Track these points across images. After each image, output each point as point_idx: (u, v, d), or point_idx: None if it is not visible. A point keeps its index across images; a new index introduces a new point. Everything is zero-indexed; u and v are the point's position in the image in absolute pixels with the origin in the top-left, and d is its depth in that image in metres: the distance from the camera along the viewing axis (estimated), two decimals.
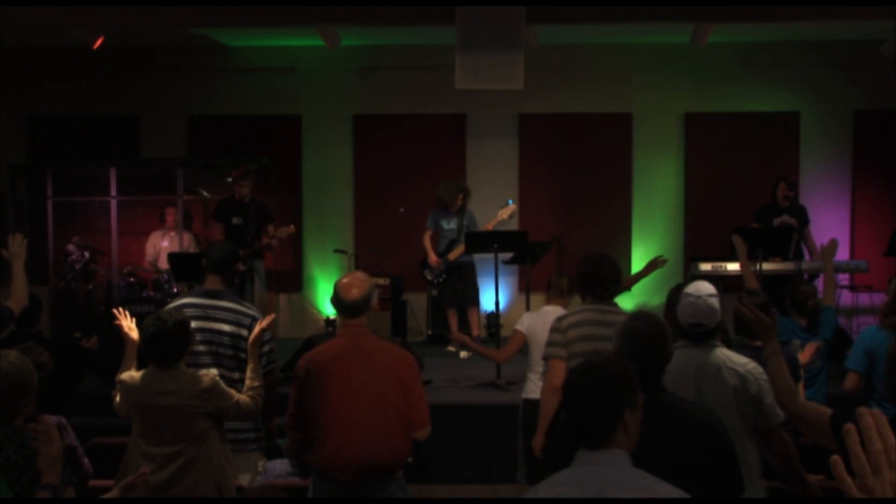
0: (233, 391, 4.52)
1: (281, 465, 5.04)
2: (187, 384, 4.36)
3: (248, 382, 4.68)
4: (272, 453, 5.35)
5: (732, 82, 11.52)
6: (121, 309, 4.91)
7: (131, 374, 4.48)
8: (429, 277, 10.21)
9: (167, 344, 4.35)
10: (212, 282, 5.20)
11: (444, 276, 10.07)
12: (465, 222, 10.02)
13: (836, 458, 1.66)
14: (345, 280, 4.50)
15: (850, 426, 1.61)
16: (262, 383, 4.71)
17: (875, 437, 1.58)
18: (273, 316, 5.05)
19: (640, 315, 3.64)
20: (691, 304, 4.22)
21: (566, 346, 4.83)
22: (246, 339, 4.99)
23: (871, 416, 1.59)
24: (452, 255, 9.87)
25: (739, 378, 4.08)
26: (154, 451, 4.34)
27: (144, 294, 9.92)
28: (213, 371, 4.71)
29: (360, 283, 4.46)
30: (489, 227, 9.81)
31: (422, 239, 10.24)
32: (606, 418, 2.72)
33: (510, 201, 10.16)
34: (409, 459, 4.45)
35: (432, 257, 10.07)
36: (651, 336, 3.48)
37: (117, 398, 4.56)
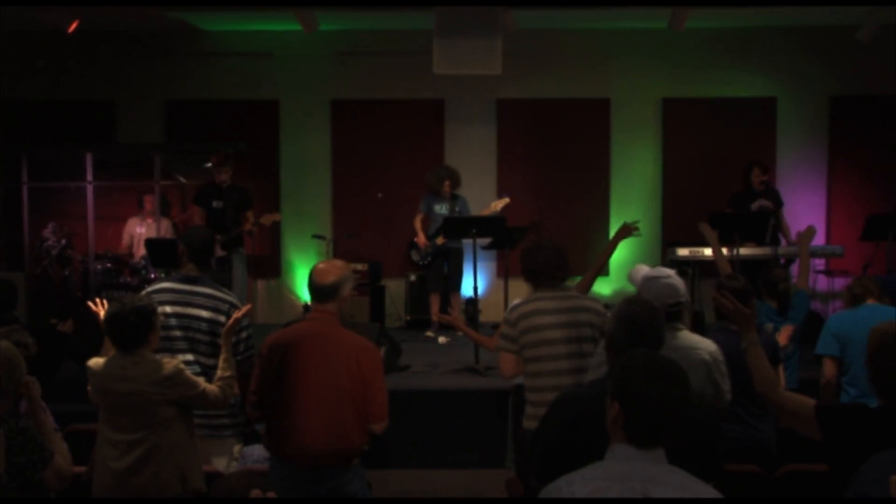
0: (199, 380, 4.46)
1: (259, 451, 5.03)
2: (149, 371, 4.31)
3: (219, 372, 4.64)
4: (250, 439, 5.34)
5: (710, 68, 11.54)
6: (97, 300, 4.88)
7: (97, 361, 4.45)
8: (415, 259, 10.23)
9: (124, 326, 4.30)
10: (190, 267, 5.18)
11: (429, 258, 10.08)
12: (457, 208, 10.03)
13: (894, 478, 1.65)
14: (322, 265, 4.50)
15: None
16: (233, 373, 4.66)
17: None
18: (249, 306, 5.02)
19: (634, 300, 3.66)
20: (668, 286, 4.26)
21: (516, 338, 4.82)
22: (223, 325, 4.98)
23: None
24: (441, 240, 9.87)
25: (705, 362, 4.12)
26: (117, 437, 4.31)
27: (121, 280, 9.88)
28: (179, 359, 4.66)
29: (336, 270, 4.46)
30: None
31: (413, 221, 10.26)
32: (675, 423, 2.69)
33: (505, 194, 10.15)
34: (365, 447, 4.42)
35: (421, 238, 10.08)
36: (647, 320, 3.50)
37: (89, 385, 4.54)
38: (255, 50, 11.60)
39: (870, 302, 5.84)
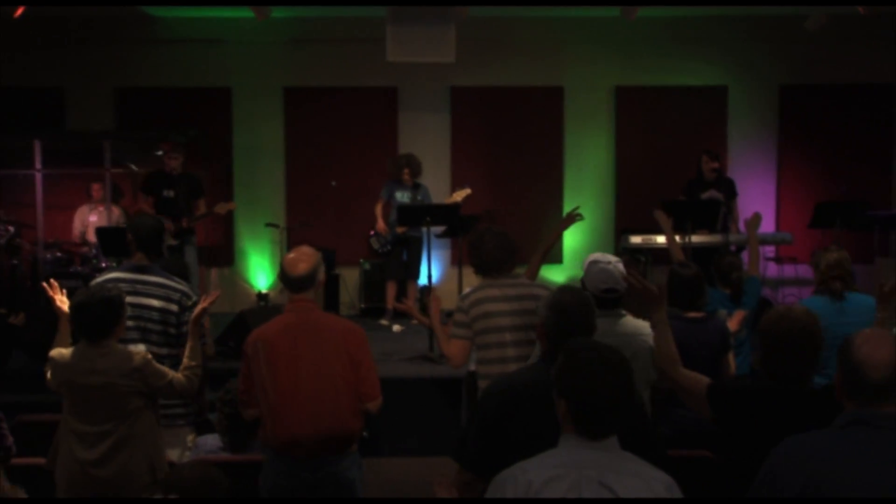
0: (167, 369, 4.45)
1: (212, 441, 5.01)
2: (118, 362, 4.29)
3: (185, 361, 4.61)
4: (203, 428, 5.31)
5: (662, 56, 11.62)
6: (52, 281, 4.82)
7: (61, 352, 4.40)
8: (375, 246, 10.19)
9: (91, 316, 4.27)
10: (140, 257, 5.13)
11: (389, 246, 10.06)
12: (419, 197, 10.01)
13: None
14: (291, 255, 4.48)
15: None
16: (199, 363, 4.64)
17: None
18: (217, 294, 4.97)
19: (567, 288, 3.68)
20: (603, 271, 4.31)
21: (470, 325, 4.84)
22: (175, 314, 4.94)
23: None
24: (401, 228, 9.85)
25: (650, 348, 4.16)
26: (84, 429, 4.28)
27: (72, 269, 9.76)
28: (142, 348, 4.64)
29: (306, 258, 4.44)
30: None
31: (374, 207, 10.23)
32: (623, 413, 2.71)
33: (466, 185, 10.14)
34: (365, 433, 4.45)
35: (380, 224, 10.05)
36: (577, 308, 3.52)
37: (48, 375, 4.49)
38: (206, 37, 11.48)
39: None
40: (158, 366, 4.42)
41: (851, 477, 2.60)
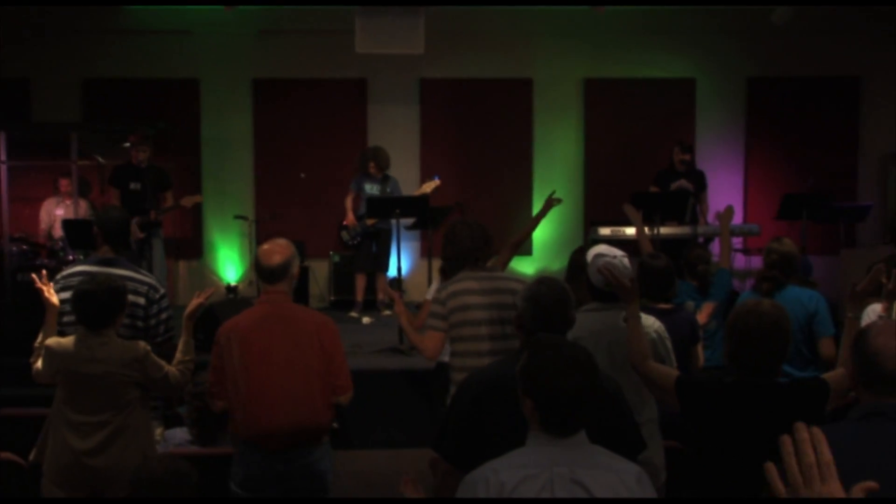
0: (164, 363, 4.46)
1: (180, 434, 4.99)
2: (118, 352, 4.30)
3: (178, 356, 4.63)
4: (171, 422, 5.29)
5: (630, 49, 11.66)
6: (44, 272, 4.79)
7: (58, 341, 4.40)
8: (345, 238, 10.18)
9: (95, 305, 4.28)
10: (106, 249, 5.09)
11: (359, 238, 10.04)
12: (388, 189, 9.99)
13: (770, 465, 1.71)
14: (266, 246, 4.46)
15: (785, 437, 1.68)
16: (192, 357, 4.67)
17: (808, 451, 1.65)
18: (213, 290, 4.94)
19: (544, 280, 3.66)
20: (609, 264, 4.30)
21: (446, 317, 4.84)
22: (143, 307, 4.91)
23: (806, 431, 1.66)
24: (370, 220, 9.83)
25: (652, 340, 4.18)
26: (80, 419, 4.28)
27: (38, 262, 9.65)
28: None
29: (281, 249, 4.42)
30: None
31: (344, 200, 10.21)
32: (590, 410, 2.71)
33: (436, 177, 10.13)
34: (335, 425, 4.45)
35: (349, 217, 10.03)
36: (554, 301, 3.51)
37: (38, 364, 4.47)
38: (174, 28, 11.40)
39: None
40: (156, 358, 4.44)
41: (870, 469, 2.56)
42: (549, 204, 6.22)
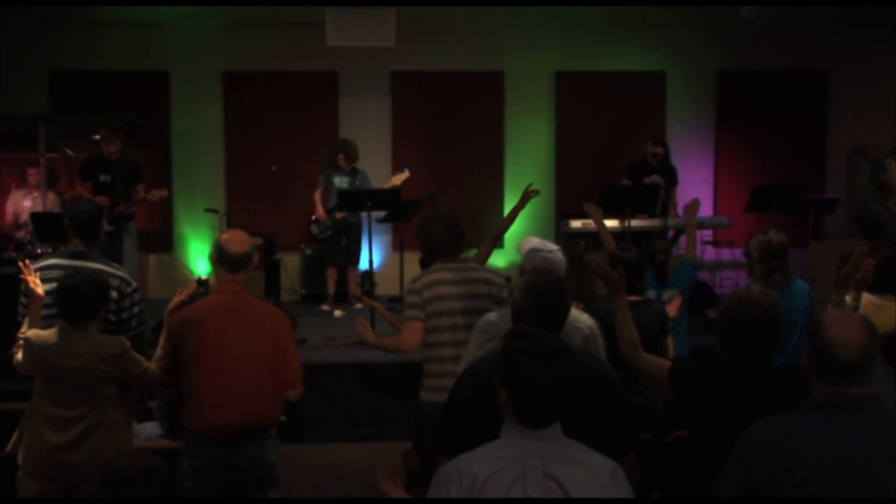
0: (143, 359, 4.43)
1: (151, 428, 4.98)
2: (97, 347, 4.28)
3: (158, 352, 4.60)
4: (142, 416, 5.27)
5: (601, 42, 11.68)
6: (26, 261, 4.75)
7: (38, 333, 4.37)
8: (315, 232, 10.15)
9: (80, 299, 4.26)
10: (77, 242, 5.05)
11: (329, 232, 10.03)
12: (357, 182, 9.97)
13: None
14: (226, 235, 4.46)
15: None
16: (166, 353, 4.63)
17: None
18: (194, 286, 4.92)
19: (541, 272, 3.64)
20: (544, 259, 4.31)
21: (423, 306, 4.85)
22: (115, 300, 4.88)
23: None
24: (340, 214, 9.81)
25: (584, 337, 4.18)
26: (56, 412, 4.26)
27: (6, 255, 9.56)
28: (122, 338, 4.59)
29: (241, 239, 4.43)
30: None
31: (313, 194, 10.19)
32: (565, 401, 2.70)
33: (406, 168, 10.11)
34: (283, 418, 4.44)
35: (319, 211, 10.01)
36: (554, 292, 3.49)
37: (18, 355, 4.44)
38: (143, 19, 11.30)
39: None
40: (136, 354, 4.41)
41: (822, 459, 2.60)
42: (527, 196, 6.23)
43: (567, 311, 3.56)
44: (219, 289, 4.45)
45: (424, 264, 5.24)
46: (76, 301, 4.27)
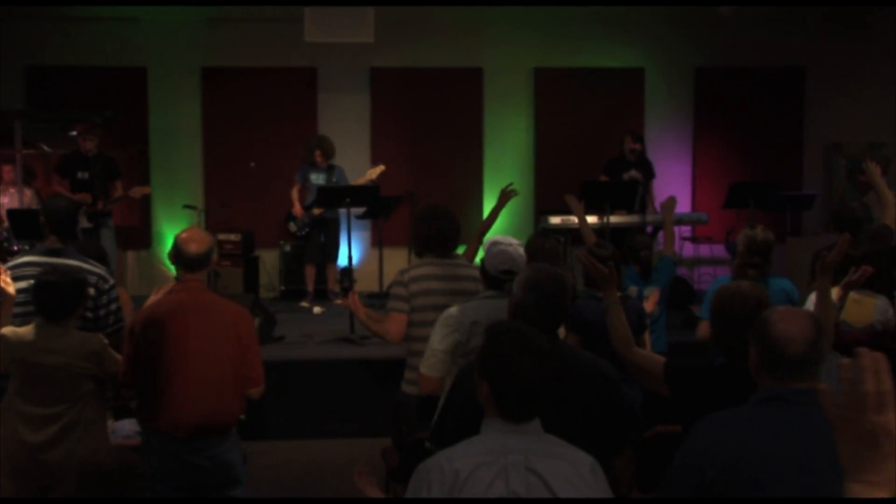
0: (120, 356, 4.40)
1: (129, 425, 4.95)
2: (77, 344, 4.25)
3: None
4: (120, 413, 5.24)
5: (580, 38, 11.71)
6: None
7: (15, 330, 4.32)
8: (293, 229, 10.14)
9: (57, 296, 4.23)
10: (53, 240, 5.02)
11: (307, 229, 10.01)
12: (334, 178, 9.95)
13: (823, 386, 1.64)
14: (185, 234, 4.43)
15: (845, 361, 1.60)
16: (126, 352, 4.61)
17: (869, 379, 1.57)
18: (171, 285, 4.90)
19: (542, 267, 3.65)
20: (503, 252, 4.36)
21: (408, 299, 4.86)
22: (92, 297, 4.85)
23: (870, 357, 1.58)
24: (318, 210, 9.79)
25: None
26: (32, 410, 4.22)
27: None
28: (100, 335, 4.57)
29: (200, 238, 4.42)
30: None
31: (289, 191, 10.17)
32: (545, 395, 2.70)
33: (381, 163, 10.10)
34: (242, 417, 4.43)
35: (297, 208, 9.99)
36: (555, 288, 3.50)
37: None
38: (121, 15, 11.23)
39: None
40: (113, 352, 4.38)
41: (769, 453, 2.61)
42: (506, 196, 6.19)
43: (566, 307, 3.57)
44: (178, 287, 4.42)
45: (418, 255, 5.23)
46: (54, 298, 4.25)
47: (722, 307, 3.45)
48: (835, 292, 4.33)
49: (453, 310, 4.38)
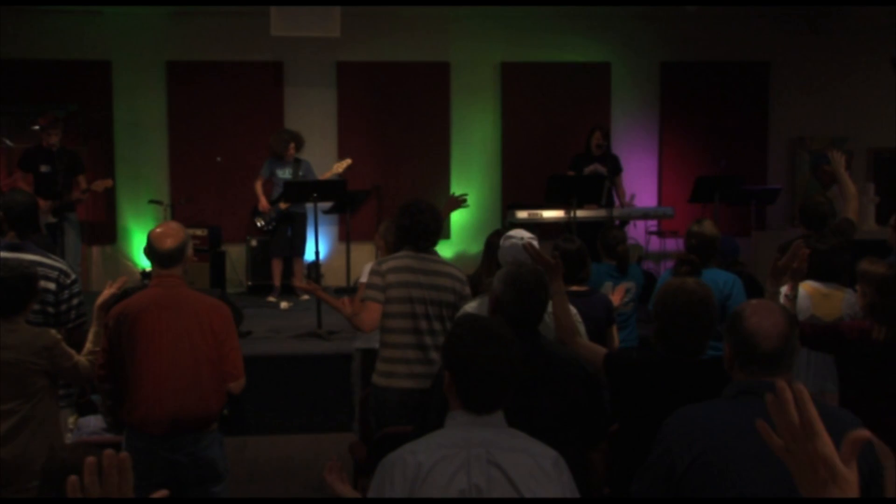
0: (73, 352, 4.36)
1: (95, 422, 4.91)
2: (28, 339, 4.19)
3: (88, 346, 4.52)
4: (85, 409, 5.20)
5: (546, 33, 11.73)
6: None
7: None
8: (259, 224, 10.08)
9: (7, 291, 4.17)
10: (12, 235, 4.98)
11: (273, 223, 9.96)
12: (301, 173, 9.91)
13: (761, 422, 1.69)
14: (159, 229, 4.40)
15: (770, 397, 1.66)
16: (103, 347, 4.57)
17: (791, 411, 1.63)
18: (125, 279, 4.85)
19: (522, 264, 3.72)
20: (514, 246, 4.39)
21: (384, 289, 4.86)
22: (53, 292, 4.82)
23: (789, 391, 1.63)
24: (284, 205, 9.75)
25: (544, 325, 4.23)
26: None
27: None
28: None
29: (174, 233, 4.37)
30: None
31: (254, 185, 10.11)
32: (507, 386, 2.70)
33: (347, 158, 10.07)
34: (225, 412, 4.41)
35: (262, 203, 9.94)
36: (535, 284, 3.56)
37: None
38: (84, 7, 11.12)
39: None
40: (66, 347, 4.34)
41: (741, 447, 2.62)
42: (455, 203, 6.08)
43: (545, 302, 3.62)
44: (154, 283, 4.39)
45: (396, 248, 5.21)
46: (2, 293, 4.19)
47: (665, 303, 3.49)
48: (787, 287, 4.36)
49: (473, 304, 4.48)
